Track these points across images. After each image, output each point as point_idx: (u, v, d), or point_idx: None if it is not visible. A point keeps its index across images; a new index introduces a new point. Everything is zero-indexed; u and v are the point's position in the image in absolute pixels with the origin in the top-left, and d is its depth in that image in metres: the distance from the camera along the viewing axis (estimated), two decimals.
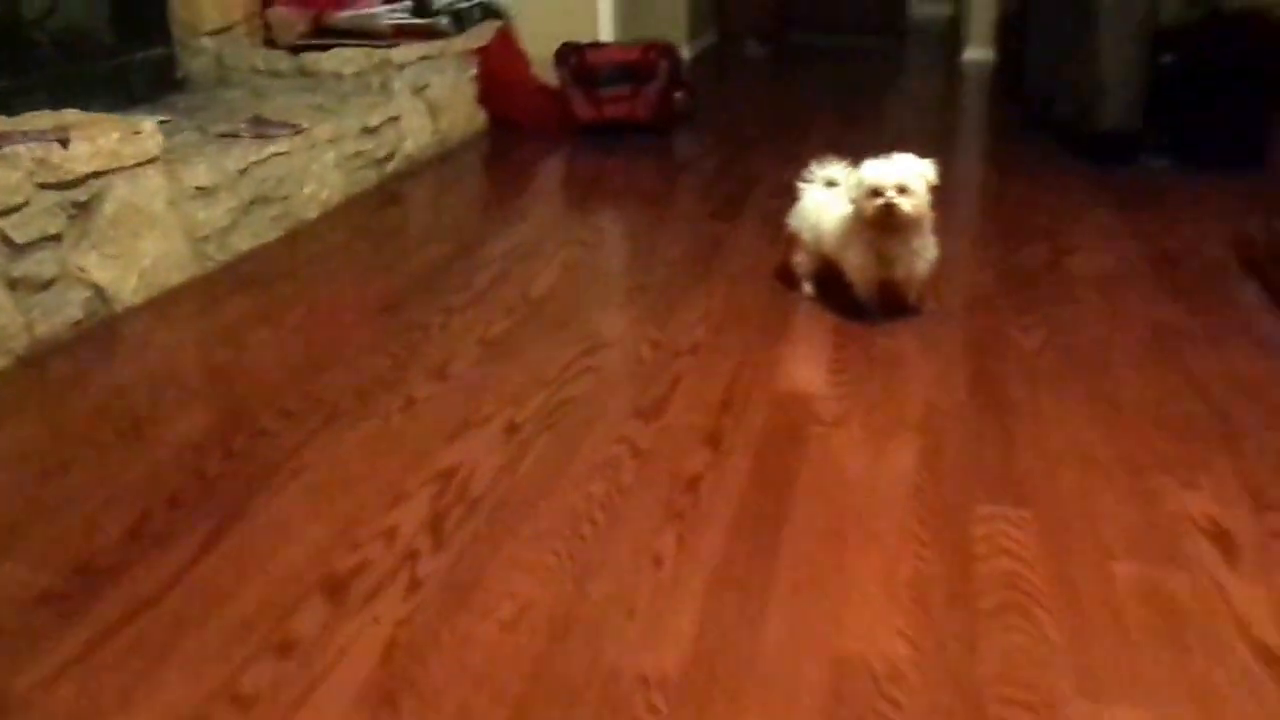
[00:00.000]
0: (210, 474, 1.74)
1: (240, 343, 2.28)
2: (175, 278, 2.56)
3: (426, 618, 1.38)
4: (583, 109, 3.98)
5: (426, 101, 3.74)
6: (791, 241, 2.47)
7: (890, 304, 2.32)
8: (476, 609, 1.39)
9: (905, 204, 2.14)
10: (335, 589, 1.44)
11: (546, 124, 4.06)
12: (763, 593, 1.42)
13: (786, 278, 2.51)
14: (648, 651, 1.31)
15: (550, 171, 3.78)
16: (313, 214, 3.06)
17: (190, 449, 1.83)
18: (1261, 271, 2.49)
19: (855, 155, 2.29)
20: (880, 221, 2.17)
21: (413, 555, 1.51)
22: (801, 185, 2.46)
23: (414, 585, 1.44)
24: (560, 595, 1.42)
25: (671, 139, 4.05)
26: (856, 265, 2.28)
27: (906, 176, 2.15)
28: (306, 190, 3.04)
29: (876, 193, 2.14)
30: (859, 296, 2.32)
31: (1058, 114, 3.83)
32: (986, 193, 3.60)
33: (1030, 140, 3.95)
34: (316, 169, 3.09)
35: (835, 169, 2.38)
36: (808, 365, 2.13)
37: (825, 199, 2.36)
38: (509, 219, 3.25)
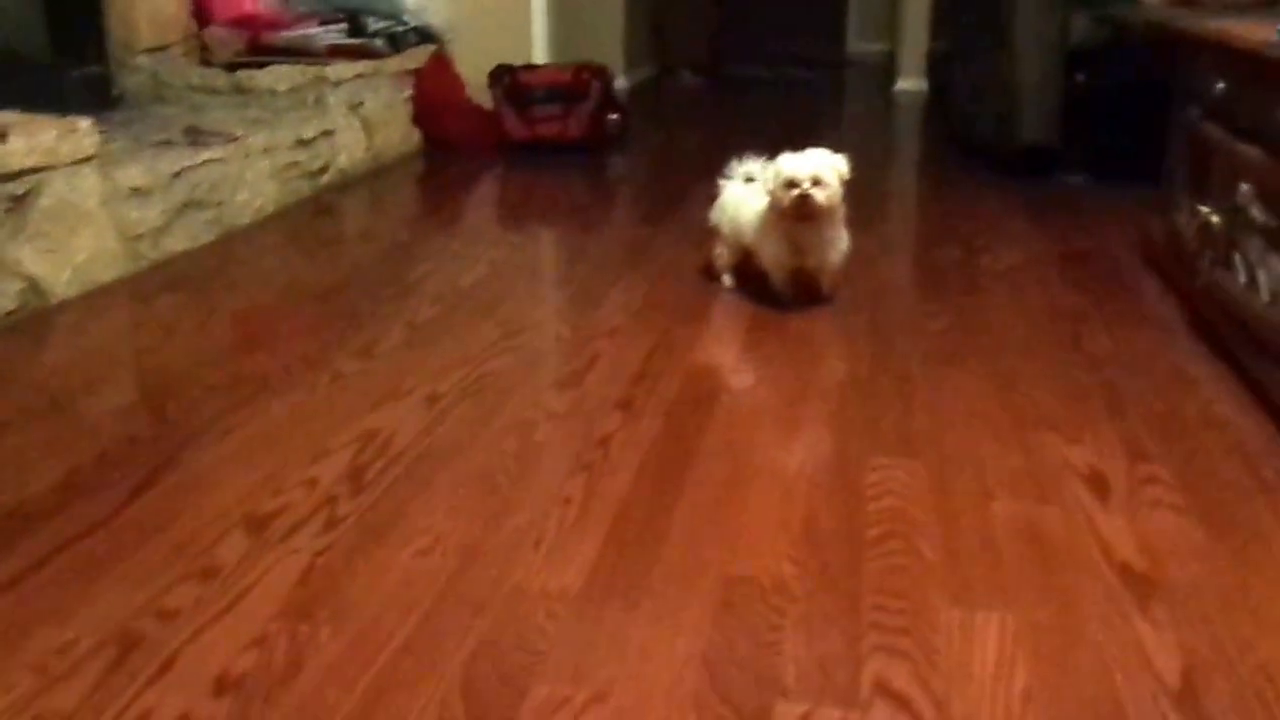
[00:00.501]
0: (141, 436, 1.84)
1: (171, 330, 2.39)
2: (108, 274, 2.65)
3: (344, 548, 1.49)
4: (516, 128, 4.15)
5: (361, 118, 3.88)
6: (712, 235, 2.63)
7: (804, 292, 2.48)
8: (392, 541, 1.50)
9: (819, 195, 2.30)
10: (257, 525, 1.54)
11: (480, 143, 4.22)
12: (663, 527, 1.55)
13: (708, 271, 2.67)
14: (551, 572, 1.43)
15: (483, 187, 3.93)
16: (246, 220, 3.17)
17: (120, 416, 1.93)
18: (1159, 265, 2.70)
19: (774, 153, 2.47)
20: (795, 212, 2.32)
21: (332, 500, 1.61)
22: (721, 181, 2.63)
23: (332, 523, 1.55)
24: (472, 529, 1.53)
25: (603, 158, 4.23)
26: (772, 254, 2.43)
27: (820, 168, 2.31)
28: (240, 197, 3.16)
29: (792, 184, 2.30)
30: (774, 285, 2.47)
31: (980, 134, 4.07)
32: (909, 204, 3.82)
33: (955, 160, 4.19)
34: (250, 177, 3.20)
35: (753, 165, 2.55)
36: (722, 344, 2.28)
37: (744, 194, 2.53)
38: (441, 226, 3.40)
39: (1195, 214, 2.33)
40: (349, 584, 1.40)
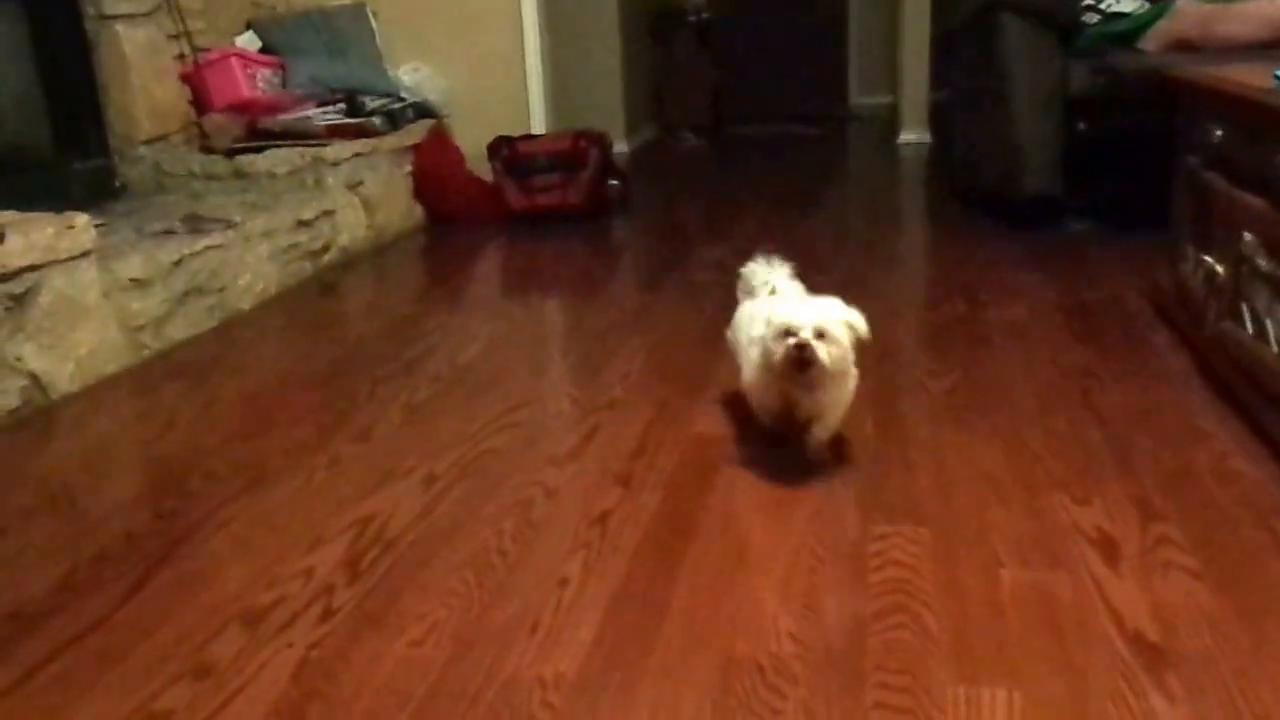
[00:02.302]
0: (138, 532, 1.85)
1: (172, 420, 2.41)
2: (111, 366, 2.69)
3: (338, 640, 1.49)
4: (516, 199, 4.21)
5: (361, 197, 3.95)
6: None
7: (794, 432, 2.03)
8: (386, 631, 1.50)
9: (822, 350, 1.83)
10: (252, 620, 1.55)
11: (481, 215, 4.28)
12: (661, 607, 1.54)
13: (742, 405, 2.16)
14: (547, 660, 1.42)
15: (484, 260, 3.98)
16: (247, 304, 3.22)
17: (120, 512, 1.94)
18: (1168, 317, 2.70)
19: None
20: (789, 367, 1.85)
21: (328, 589, 1.62)
22: (740, 293, 2.20)
23: (327, 614, 1.55)
24: (467, 616, 1.53)
25: (605, 225, 4.28)
26: (757, 402, 2.05)
27: (828, 319, 1.85)
28: (241, 281, 3.21)
29: (788, 332, 1.85)
30: (757, 418, 2.08)
31: (983, 185, 4.09)
32: (913, 258, 3.84)
33: (959, 211, 4.21)
34: (251, 260, 3.26)
35: (776, 274, 2.14)
36: (721, 416, 2.27)
37: (758, 312, 2.03)
38: (441, 300, 3.44)
39: (1200, 264, 2.33)
40: (342, 679, 1.40)
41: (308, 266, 3.58)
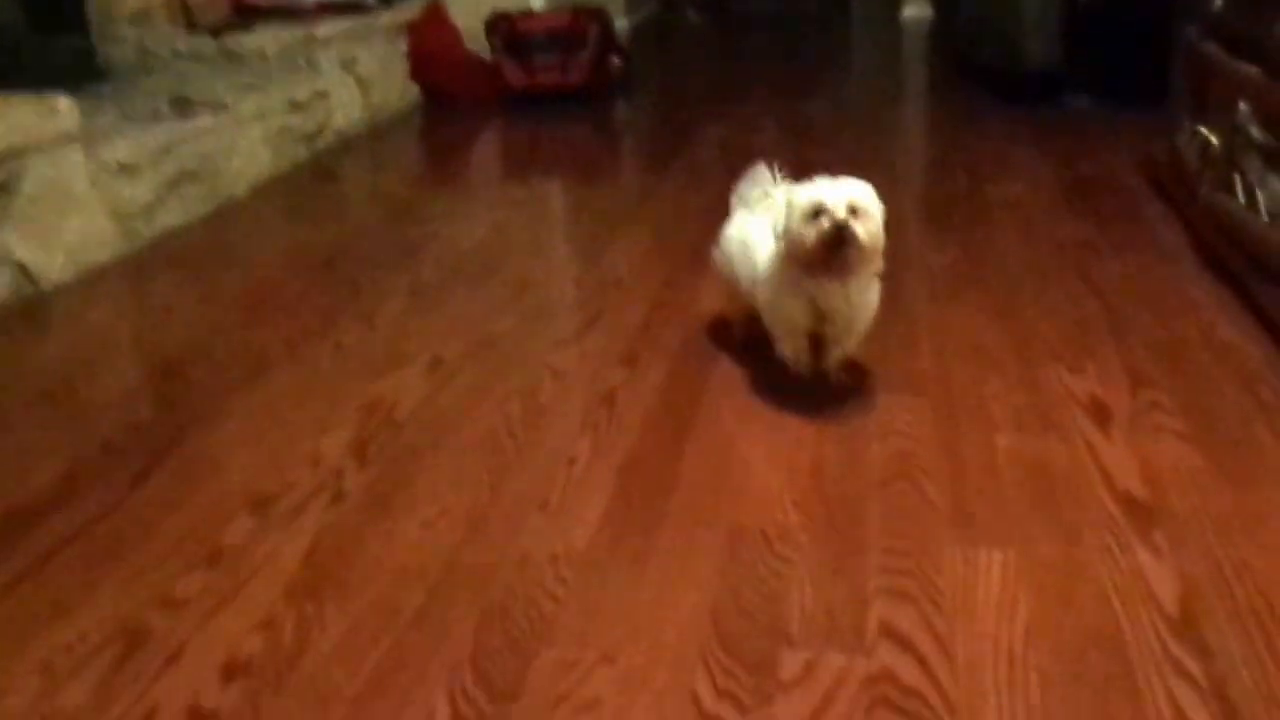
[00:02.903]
0: (141, 423, 1.87)
1: (170, 310, 2.41)
2: (103, 255, 2.67)
3: (349, 524, 1.51)
4: (515, 77, 4.12)
5: (355, 77, 3.87)
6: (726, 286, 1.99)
7: (818, 359, 1.83)
8: (397, 514, 1.53)
9: (860, 229, 1.64)
10: (262, 506, 1.57)
11: (480, 95, 4.20)
12: (668, 481, 1.57)
13: (727, 329, 2.04)
14: (558, 536, 1.46)
15: (484, 142, 3.92)
16: (242, 190, 3.18)
17: (122, 403, 1.96)
18: (1164, 190, 2.67)
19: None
20: (825, 250, 1.64)
21: (337, 474, 1.64)
22: (734, 200, 1.97)
23: (338, 499, 1.58)
24: (477, 497, 1.56)
25: (606, 105, 4.20)
26: (784, 317, 1.78)
27: (859, 194, 1.66)
28: (234, 166, 3.16)
29: (820, 212, 1.63)
30: (781, 354, 1.83)
31: (985, 60, 4.01)
32: (915, 134, 3.79)
33: (961, 87, 4.14)
34: (244, 145, 3.21)
35: (774, 182, 1.90)
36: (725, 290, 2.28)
37: (755, 227, 1.85)
38: (442, 184, 3.40)
39: (1195, 136, 2.30)
40: (355, 560, 1.43)
41: (303, 150, 3.53)
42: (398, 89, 4.15)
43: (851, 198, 1.65)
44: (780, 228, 1.70)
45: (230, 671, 1.24)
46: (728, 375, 1.89)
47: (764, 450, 1.65)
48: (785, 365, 1.83)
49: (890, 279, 2.27)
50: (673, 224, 2.73)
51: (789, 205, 1.69)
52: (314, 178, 3.43)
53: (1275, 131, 1.92)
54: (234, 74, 3.60)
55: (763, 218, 1.83)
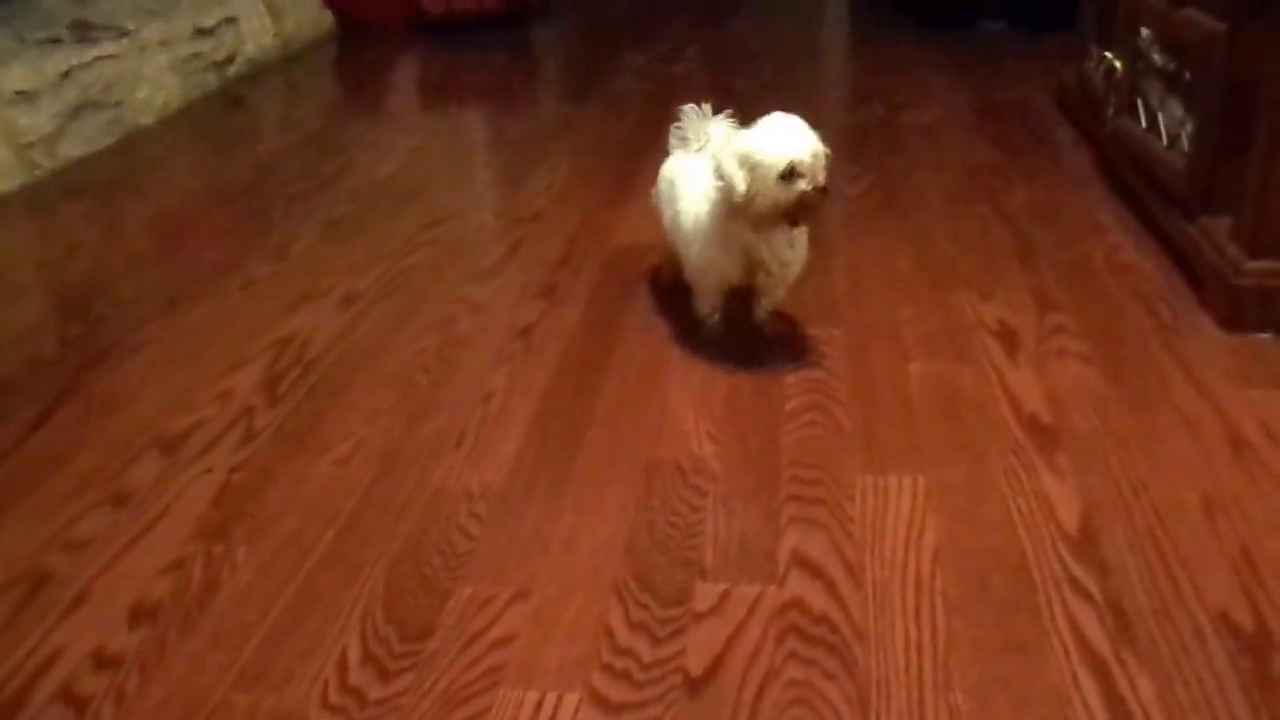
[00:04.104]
0: (43, 360, 1.78)
1: (74, 243, 2.29)
2: (1, 186, 2.52)
3: (260, 461, 1.46)
4: (431, 3, 3.96)
5: (266, 2, 3.68)
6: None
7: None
8: (310, 450, 1.48)
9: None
10: (170, 445, 1.51)
11: (394, 21, 4.03)
12: (585, 416, 1.54)
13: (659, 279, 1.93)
14: (473, 471, 1.42)
15: (400, 70, 3.77)
16: (149, 119, 3.02)
17: (22, 340, 1.85)
18: (1074, 114, 2.67)
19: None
20: (793, 217, 1.54)
21: (248, 412, 1.58)
22: (673, 142, 1.81)
23: (248, 436, 1.52)
24: (392, 433, 1.51)
25: (525, 31, 4.06)
26: (716, 270, 1.65)
27: (816, 140, 1.52)
28: (139, 95, 3.00)
29: (794, 173, 1.49)
30: (697, 309, 1.73)
31: None
32: (832, 62, 3.73)
33: (878, 17, 4.07)
34: (149, 72, 3.04)
35: (716, 123, 1.72)
36: (645, 223, 2.22)
37: (691, 170, 1.70)
38: (357, 113, 3.27)
39: (1102, 60, 2.28)
40: (266, 499, 1.38)
41: (212, 79, 3.36)
42: (311, 15, 3.96)
43: (816, 148, 1.51)
44: (733, 183, 1.52)
45: (137, 614, 1.19)
46: (646, 309, 1.85)
47: (679, 383, 1.62)
48: (699, 321, 1.73)
49: None
50: (592, 155, 2.65)
51: (744, 162, 1.51)
52: (224, 107, 3.27)
53: (1174, 56, 1.92)
54: None
55: (697, 160, 1.69)
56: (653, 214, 1.87)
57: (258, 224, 2.31)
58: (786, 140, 1.50)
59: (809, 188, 1.50)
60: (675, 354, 1.70)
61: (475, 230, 2.27)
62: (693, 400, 1.57)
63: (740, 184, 1.52)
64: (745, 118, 1.62)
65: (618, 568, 1.23)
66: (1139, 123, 2.08)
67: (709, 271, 1.66)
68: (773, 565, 1.23)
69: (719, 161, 1.56)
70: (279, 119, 3.31)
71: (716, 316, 1.73)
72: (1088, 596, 1.16)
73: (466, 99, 3.37)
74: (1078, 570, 1.20)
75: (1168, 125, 1.94)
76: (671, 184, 1.75)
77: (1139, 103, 2.09)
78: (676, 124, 1.79)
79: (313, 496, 1.38)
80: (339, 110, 3.40)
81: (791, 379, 1.61)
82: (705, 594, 1.19)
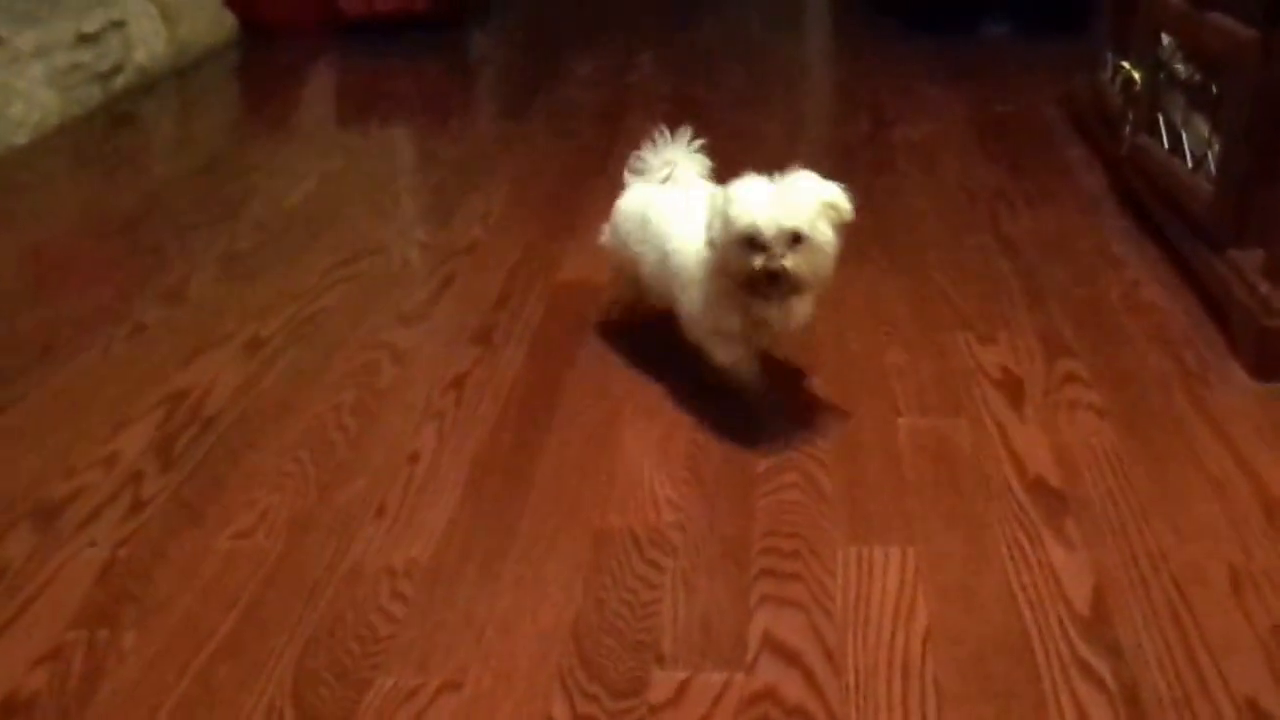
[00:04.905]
0: None
1: None
2: None
3: (151, 536, 1.48)
4: (349, 3, 4.03)
5: (159, 4, 3.72)
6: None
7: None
8: (208, 523, 1.50)
9: (800, 266, 1.55)
10: (48, 516, 1.52)
11: (307, 23, 4.10)
12: (525, 480, 1.57)
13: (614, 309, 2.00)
14: (397, 545, 1.44)
15: (314, 79, 3.83)
16: (23, 139, 3.04)
17: None
18: (1086, 130, 2.76)
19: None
20: (753, 289, 1.58)
21: (136, 478, 1.60)
22: (628, 174, 1.89)
23: (137, 506, 1.53)
24: (303, 501, 1.54)
25: (458, 35, 4.13)
26: (720, 329, 1.68)
27: (801, 215, 1.54)
28: (12, 112, 3.02)
29: (753, 243, 1.54)
30: (726, 380, 1.73)
31: None
32: (817, 71, 3.84)
33: (866, 13, 4.19)
34: (22, 86, 3.07)
35: (680, 152, 1.83)
36: (595, 256, 2.27)
37: (660, 203, 1.78)
38: (262, 132, 3.32)
39: (1119, 70, 2.37)
40: (157, 578, 1.39)
41: (97, 92, 3.39)
42: (210, 17, 4.02)
43: (794, 224, 1.53)
44: (711, 235, 1.59)
45: (9, 710, 1.20)
46: (595, 355, 1.89)
47: (635, 440, 1.66)
48: (722, 375, 1.72)
49: None
50: (535, 179, 2.71)
51: (719, 213, 1.57)
52: (110, 124, 3.30)
53: (1200, 67, 1.99)
54: (8, 1, 3.44)
55: (670, 192, 1.78)
56: (602, 252, 1.92)
57: (148, 259, 2.33)
58: (755, 201, 1.54)
59: (762, 264, 1.53)
60: (629, 406, 1.74)
61: (400, 266, 2.30)
62: (650, 460, 1.61)
63: (709, 231, 1.59)
64: (715, 138, 1.67)
65: (562, 654, 1.25)
66: (1160, 142, 2.16)
67: (714, 328, 1.69)
68: (741, 650, 1.25)
69: (711, 212, 1.60)
70: (173, 138, 3.35)
71: (746, 363, 1.72)
72: (1099, 683, 1.20)
73: (390, 114, 3.42)
74: (1088, 653, 1.24)
75: (1192, 145, 2.02)
76: (645, 221, 1.78)
77: (1160, 119, 2.17)
78: (635, 153, 1.85)
79: (211, 575, 1.39)
80: (242, 127, 3.44)
81: (765, 435, 1.65)
82: (662, 683, 1.21)
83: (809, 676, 1.22)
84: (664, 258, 1.74)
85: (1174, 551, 1.39)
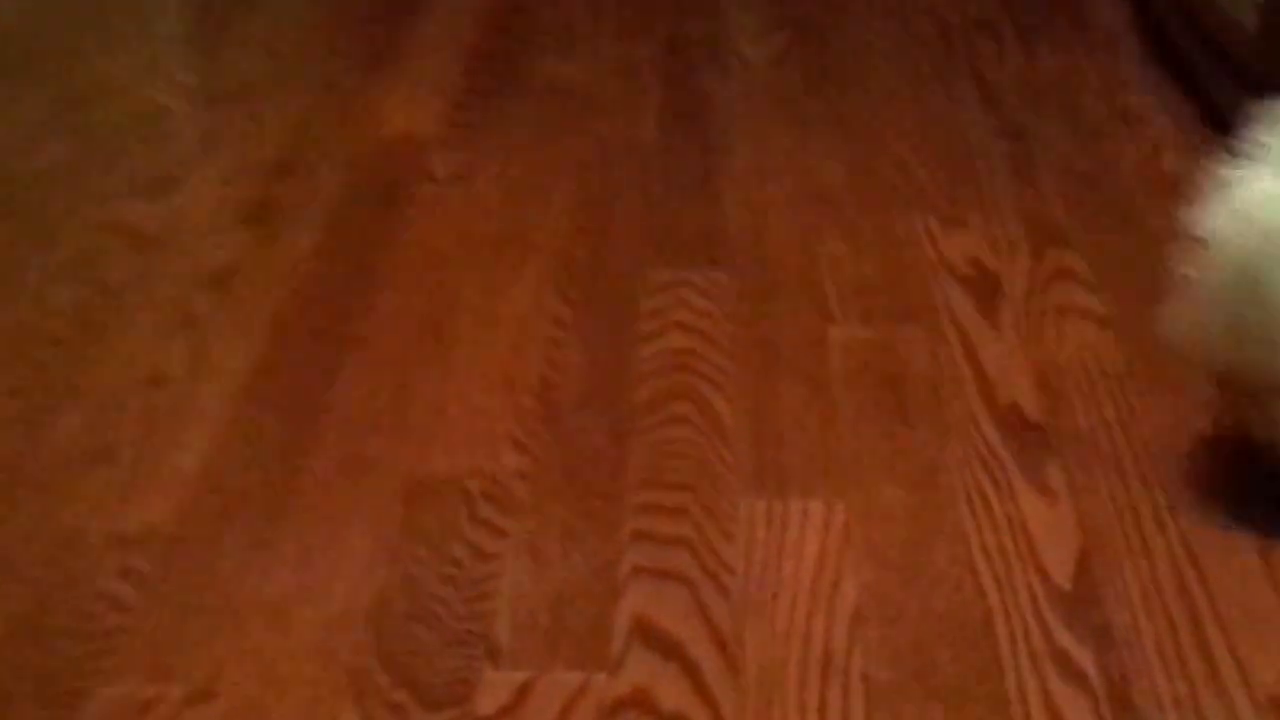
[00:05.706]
0: None
1: None
2: None
3: None
4: None
5: None
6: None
7: None
8: None
9: None
10: None
11: None
12: (311, 413, 1.57)
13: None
14: (129, 503, 1.43)
15: None
16: None
17: None
18: None
19: None
20: None
21: None
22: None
23: None
24: (4, 442, 1.52)
25: None
26: None
27: None
28: None
29: None
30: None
31: None
32: None
33: None
34: None
35: None
36: (421, 102, 2.26)
37: None
38: None
39: None
40: None
41: None
42: None
43: None
44: None
45: None
46: (419, 243, 1.89)
47: (470, 359, 1.66)
48: None
49: (681, 81, 2.33)
50: None
51: None
52: None
53: None
54: None
55: None
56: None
57: None
58: None
59: None
60: (464, 314, 1.74)
61: (140, 115, 2.28)
62: (489, 387, 1.61)
63: None
64: None
65: (356, 650, 1.26)
66: None
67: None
68: (603, 640, 1.27)
69: None
70: None
71: None
72: (1080, 678, 1.23)
73: None
74: (1067, 640, 1.27)
75: None
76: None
77: None
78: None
79: None
80: None
81: (649, 351, 1.67)
82: (496, 687, 1.22)
83: (694, 675, 1.23)
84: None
85: (1186, 505, 1.43)
